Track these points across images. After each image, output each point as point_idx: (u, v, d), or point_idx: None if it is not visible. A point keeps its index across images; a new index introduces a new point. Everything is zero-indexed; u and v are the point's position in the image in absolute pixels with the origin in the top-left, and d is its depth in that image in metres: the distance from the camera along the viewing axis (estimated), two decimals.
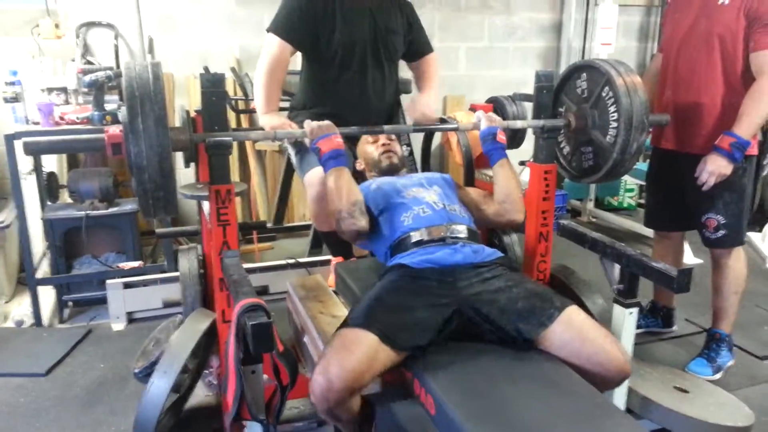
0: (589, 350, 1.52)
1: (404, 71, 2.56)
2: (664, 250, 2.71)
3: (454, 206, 1.91)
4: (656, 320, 2.87)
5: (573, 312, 1.60)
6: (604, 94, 1.99)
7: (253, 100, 3.52)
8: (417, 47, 2.47)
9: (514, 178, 1.98)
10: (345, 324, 1.58)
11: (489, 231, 2.44)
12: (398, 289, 1.67)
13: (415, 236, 1.78)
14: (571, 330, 1.55)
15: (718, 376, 2.50)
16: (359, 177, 2.08)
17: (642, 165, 3.79)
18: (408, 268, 1.72)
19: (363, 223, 1.80)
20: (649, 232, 3.78)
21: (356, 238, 1.85)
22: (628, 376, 1.56)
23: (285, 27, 2.20)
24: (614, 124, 1.96)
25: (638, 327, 2.65)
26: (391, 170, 2.11)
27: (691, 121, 2.37)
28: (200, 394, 2.34)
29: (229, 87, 3.80)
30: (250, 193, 4.08)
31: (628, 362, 1.54)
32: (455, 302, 1.63)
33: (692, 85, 2.37)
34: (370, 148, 2.14)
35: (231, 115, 3.73)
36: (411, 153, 3.31)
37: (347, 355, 1.45)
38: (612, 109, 1.96)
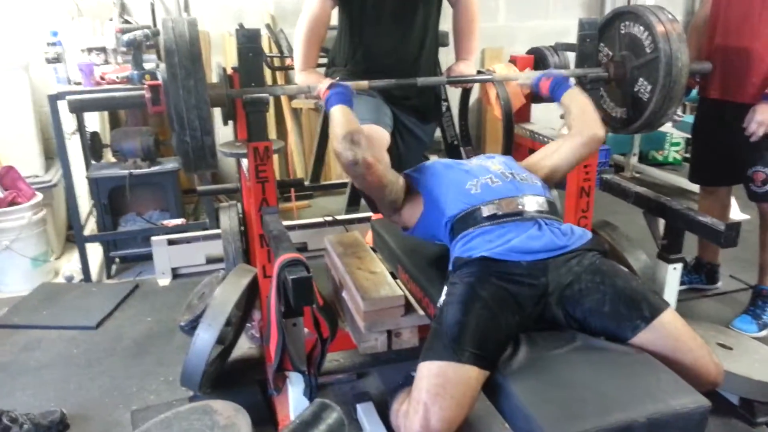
0: (679, 363, 1.36)
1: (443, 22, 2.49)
2: (710, 205, 2.63)
3: (523, 174, 1.69)
4: (700, 277, 2.81)
5: (665, 320, 1.40)
6: (643, 40, 1.93)
7: (288, 56, 3.49)
8: None
9: (587, 99, 1.84)
10: (432, 353, 1.38)
11: None
12: (488, 299, 1.43)
13: (486, 210, 1.57)
14: (659, 340, 1.38)
15: (763, 333, 2.45)
16: None
17: (689, 117, 3.66)
18: (492, 262, 1.49)
19: (360, 153, 1.52)
20: (696, 188, 3.68)
21: (366, 182, 1.59)
22: (718, 386, 1.42)
23: None
24: (654, 72, 1.88)
25: (682, 283, 2.61)
26: None
27: (741, 68, 2.27)
28: (243, 347, 2.41)
29: (264, 44, 3.77)
30: (287, 151, 4.09)
31: (721, 374, 1.40)
32: (544, 302, 1.48)
33: (744, 31, 2.27)
34: None
35: (267, 73, 3.71)
36: (448, 109, 3.26)
37: (448, 402, 1.30)
38: (652, 56, 1.89)
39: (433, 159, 1.93)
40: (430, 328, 1.47)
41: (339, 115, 1.62)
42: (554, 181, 1.80)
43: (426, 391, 1.32)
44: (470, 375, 1.32)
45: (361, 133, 1.57)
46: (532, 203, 1.58)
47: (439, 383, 1.32)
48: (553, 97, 1.90)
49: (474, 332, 1.37)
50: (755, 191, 2.36)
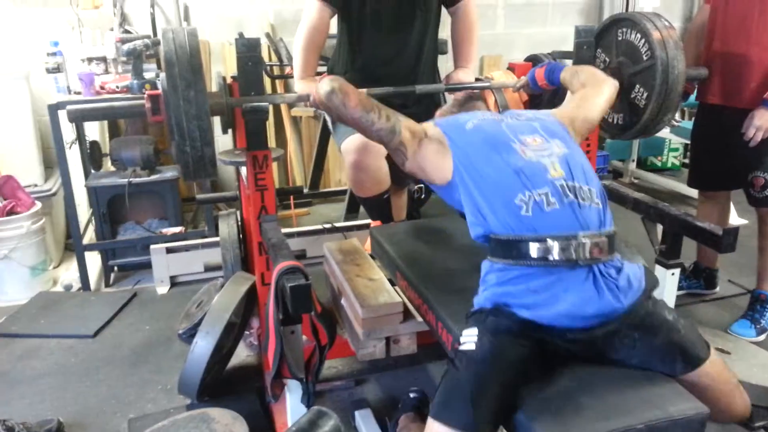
0: (711, 406, 1.27)
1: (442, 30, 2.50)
2: (709, 210, 2.63)
3: (584, 186, 1.38)
4: (698, 282, 2.81)
5: (702, 372, 1.33)
6: (640, 47, 1.94)
7: (288, 65, 3.51)
8: None
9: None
10: (449, 413, 1.25)
11: None
12: (522, 362, 1.29)
13: (535, 250, 1.30)
14: (692, 388, 1.30)
15: (762, 337, 2.44)
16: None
17: (687, 123, 3.67)
18: (535, 327, 1.30)
19: (337, 83, 1.48)
20: (695, 193, 3.67)
21: (349, 112, 1.48)
22: (743, 421, 1.42)
23: None
24: (651, 79, 1.90)
25: (680, 288, 2.61)
26: (472, 98, 1.81)
27: (740, 73, 2.29)
28: (242, 355, 2.40)
29: (264, 53, 3.79)
30: (287, 159, 4.10)
31: (748, 409, 1.38)
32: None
33: (741, 36, 2.28)
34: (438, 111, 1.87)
35: (266, 81, 3.72)
36: None
37: None
38: (648, 63, 1.91)
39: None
40: (448, 371, 1.33)
41: (327, 78, 1.54)
42: (588, 133, 1.69)
43: None
44: None
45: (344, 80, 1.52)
46: (591, 245, 1.30)
47: None
48: (552, 80, 1.88)
49: (497, 400, 1.25)
50: (755, 196, 2.37)
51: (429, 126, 1.54)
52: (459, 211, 1.49)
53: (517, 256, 1.32)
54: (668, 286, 1.83)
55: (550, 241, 1.30)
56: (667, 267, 1.84)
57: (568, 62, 2.25)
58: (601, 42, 2.11)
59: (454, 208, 1.52)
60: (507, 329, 1.31)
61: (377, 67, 2.24)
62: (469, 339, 1.32)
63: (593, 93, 1.68)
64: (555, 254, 1.29)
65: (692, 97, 2.63)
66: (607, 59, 2.09)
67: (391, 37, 2.23)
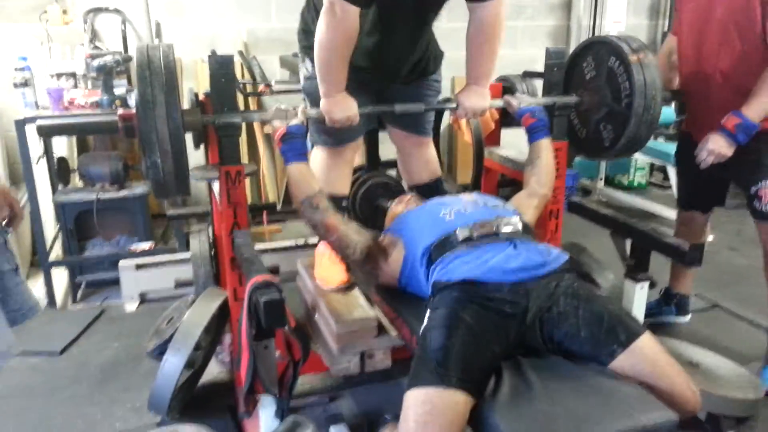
0: (656, 388, 1.35)
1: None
2: (687, 231, 2.59)
3: (495, 202, 1.75)
4: (669, 307, 2.77)
5: (641, 345, 1.38)
6: (615, 67, 1.97)
7: (260, 83, 3.51)
8: None
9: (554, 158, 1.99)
10: (418, 380, 1.32)
11: None
12: (471, 324, 1.40)
13: (462, 233, 1.59)
14: (636, 366, 1.37)
15: None
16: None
17: (658, 144, 3.76)
18: (472, 285, 1.47)
19: (320, 217, 1.69)
20: (660, 211, 3.74)
21: (329, 241, 1.74)
22: (695, 413, 1.42)
23: None
24: (628, 92, 1.91)
25: (651, 315, 2.59)
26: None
27: (711, 108, 2.29)
28: (213, 372, 2.37)
29: (237, 70, 3.79)
30: (259, 175, 4.09)
31: (698, 402, 1.39)
32: (525, 328, 1.45)
33: (712, 73, 2.29)
34: (400, 206, 2.01)
35: (239, 99, 3.72)
36: None
37: (437, 431, 1.25)
38: (624, 77, 1.92)
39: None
40: (414, 355, 1.43)
41: (296, 174, 1.72)
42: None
43: (414, 421, 1.26)
44: (457, 401, 1.27)
45: (320, 195, 1.70)
46: (507, 225, 1.62)
47: (426, 411, 1.26)
48: (528, 134, 1.99)
49: (459, 356, 1.33)
50: (761, 210, 2.24)
51: (385, 240, 1.77)
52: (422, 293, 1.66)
53: (449, 247, 1.58)
54: (637, 299, 1.87)
55: (471, 225, 1.60)
56: (636, 281, 1.88)
57: (540, 85, 2.29)
58: (577, 64, 2.13)
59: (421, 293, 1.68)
60: (451, 299, 1.46)
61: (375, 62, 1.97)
62: (425, 321, 1.47)
63: (528, 204, 1.88)
64: (477, 231, 1.59)
65: (663, 118, 2.67)
66: (583, 80, 2.11)
67: (398, 38, 1.94)
